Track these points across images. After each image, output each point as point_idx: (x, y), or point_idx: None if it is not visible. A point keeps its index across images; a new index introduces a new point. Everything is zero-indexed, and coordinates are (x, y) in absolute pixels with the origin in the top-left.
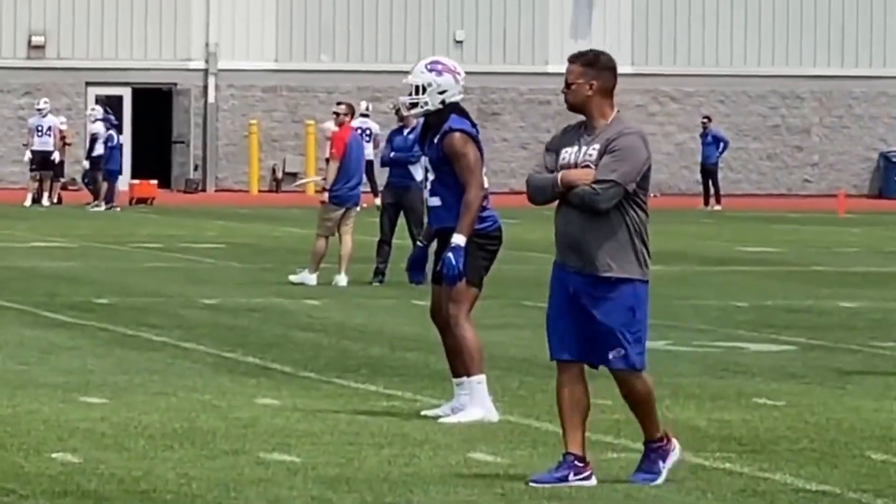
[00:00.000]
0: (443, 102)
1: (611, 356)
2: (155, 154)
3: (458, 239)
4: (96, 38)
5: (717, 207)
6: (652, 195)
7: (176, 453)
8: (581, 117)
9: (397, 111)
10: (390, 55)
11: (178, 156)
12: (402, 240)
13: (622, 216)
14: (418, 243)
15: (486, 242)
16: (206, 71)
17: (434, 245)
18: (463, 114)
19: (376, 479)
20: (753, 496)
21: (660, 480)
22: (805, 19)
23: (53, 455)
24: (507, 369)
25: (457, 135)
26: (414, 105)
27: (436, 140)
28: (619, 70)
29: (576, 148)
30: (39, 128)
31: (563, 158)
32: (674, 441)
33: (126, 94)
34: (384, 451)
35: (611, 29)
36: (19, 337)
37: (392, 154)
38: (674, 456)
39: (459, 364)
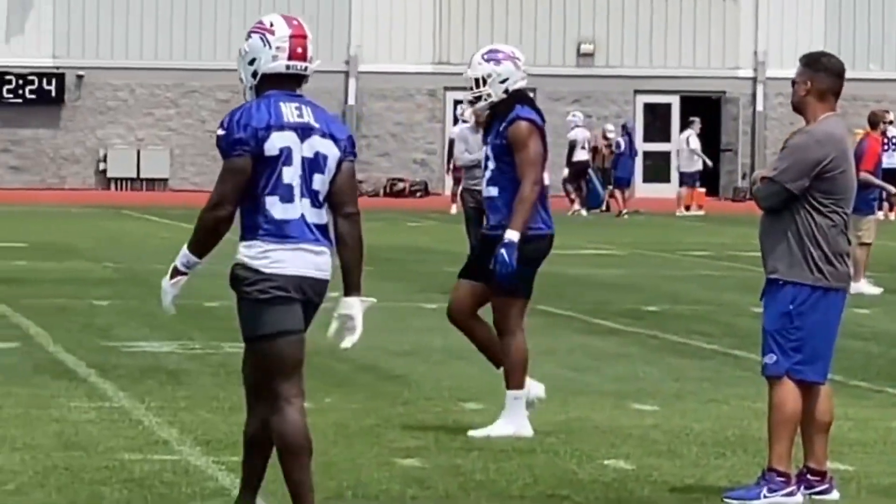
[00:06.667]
0: (506, 91)
1: None
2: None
3: (512, 235)
4: (644, 46)
5: None
6: None
7: (728, 461)
8: None
9: None
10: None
11: (726, 164)
12: None
13: None
14: None
15: (531, 247)
16: (754, 79)
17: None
18: (529, 102)
19: None
20: None
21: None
22: None
23: (606, 462)
24: None
25: (523, 123)
26: (477, 98)
27: (501, 128)
28: None
29: None
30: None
31: None
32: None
33: (674, 101)
34: None
35: None
36: (570, 344)
37: None
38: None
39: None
